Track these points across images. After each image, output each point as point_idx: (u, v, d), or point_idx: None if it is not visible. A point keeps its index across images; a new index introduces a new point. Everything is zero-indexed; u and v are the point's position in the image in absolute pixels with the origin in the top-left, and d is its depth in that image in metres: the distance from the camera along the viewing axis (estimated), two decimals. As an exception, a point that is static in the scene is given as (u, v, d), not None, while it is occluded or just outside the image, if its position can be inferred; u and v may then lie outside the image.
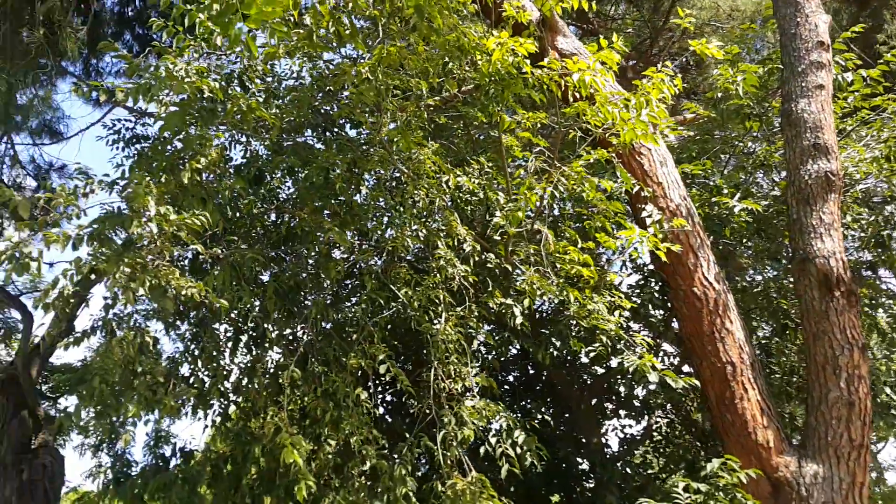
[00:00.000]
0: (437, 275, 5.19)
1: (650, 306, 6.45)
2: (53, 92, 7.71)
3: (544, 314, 7.02)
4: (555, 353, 6.25)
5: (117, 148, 7.07)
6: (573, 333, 5.64)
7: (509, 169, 5.41)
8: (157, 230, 4.70)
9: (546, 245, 4.91)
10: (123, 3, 7.79)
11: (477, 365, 5.18)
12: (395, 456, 5.46)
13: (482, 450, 4.88)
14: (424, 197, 5.61)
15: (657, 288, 6.45)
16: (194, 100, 5.24)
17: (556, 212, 6.27)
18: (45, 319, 9.27)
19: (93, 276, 5.13)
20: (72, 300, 5.03)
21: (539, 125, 5.29)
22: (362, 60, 5.01)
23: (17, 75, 5.88)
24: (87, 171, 5.62)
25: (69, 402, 10.62)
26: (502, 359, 6.88)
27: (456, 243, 5.23)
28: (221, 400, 6.50)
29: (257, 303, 6.10)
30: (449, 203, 5.90)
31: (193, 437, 6.87)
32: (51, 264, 7.81)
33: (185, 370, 6.35)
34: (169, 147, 5.83)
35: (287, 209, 6.77)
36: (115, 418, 6.25)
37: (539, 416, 6.58)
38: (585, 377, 7.41)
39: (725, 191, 6.39)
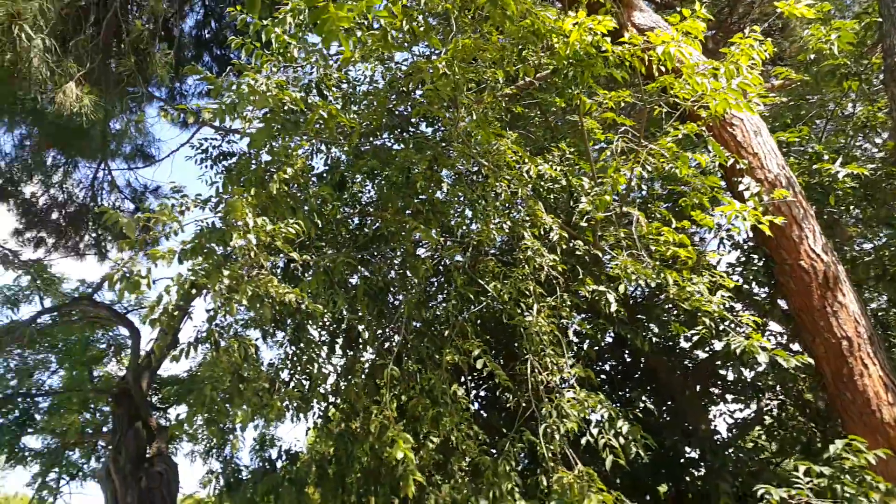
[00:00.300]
0: (525, 266, 5.13)
1: (754, 284, 6.14)
2: (143, 117, 8.15)
3: (639, 299, 6.82)
4: (654, 338, 6.05)
5: (206, 166, 7.39)
6: (673, 317, 5.44)
7: (592, 152, 5.27)
8: (255, 240, 4.86)
9: (637, 227, 4.76)
10: (200, 26, 8.13)
11: (572, 355, 5.07)
12: (495, 452, 5.44)
13: (584, 441, 4.79)
14: (506, 188, 5.55)
15: (760, 264, 6.14)
16: (277, 113, 5.39)
17: (644, 193, 6.08)
18: (151, 334, 9.80)
19: (193, 291, 5.36)
20: (176, 314, 5.27)
21: (622, 104, 5.14)
22: (436, 57, 5.01)
23: (111, 104, 6.20)
24: (181, 190, 5.89)
25: (179, 411, 11.22)
26: (598, 348, 6.74)
27: (542, 233, 5.15)
28: (321, 402, 6.67)
29: (349, 306, 6.22)
30: (531, 192, 5.82)
31: (297, 439, 7.11)
32: (154, 281, 8.22)
33: (284, 375, 6.56)
34: (254, 161, 6.04)
35: (370, 212, 6.87)
36: (223, 425, 6.53)
37: (641, 405, 6.40)
38: (688, 362, 7.15)
39: (826, 157, 6.02)
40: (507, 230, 5.54)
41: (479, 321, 5.74)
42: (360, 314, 6.06)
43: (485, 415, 6.58)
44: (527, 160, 5.54)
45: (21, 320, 10.55)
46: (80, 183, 9.29)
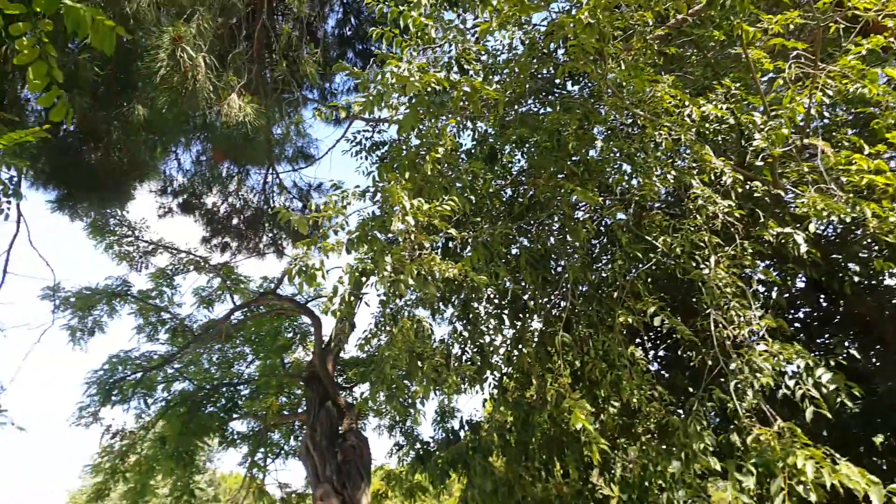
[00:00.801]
0: (697, 216, 4.84)
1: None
2: (301, 119, 8.68)
3: (832, 238, 6.19)
4: (854, 279, 5.47)
5: (361, 157, 7.73)
6: (875, 253, 4.88)
7: (761, 84, 4.83)
8: (414, 221, 5.01)
9: (823, 159, 4.30)
10: (341, 24, 8.46)
11: (759, 306, 4.72)
12: (681, 412, 5.23)
13: (780, 395, 4.46)
14: (667, 136, 5.25)
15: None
16: (422, 96, 5.48)
17: (826, 120, 5.48)
18: (331, 321, 10.52)
19: (363, 278, 5.64)
20: (351, 301, 5.58)
21: (790, 27, 4.64)
22: (576, 11, 4.82)
23: (271, 110, 6.63)
24: (340, 186, 6.20)
25: (363, 389, 11.97)
26: (788, 295, 6.22)
27: (712, 178, 4.82)
28: (495, 373, 6.79)
29: (512, 276, 6.25)
30: (696, 137, 5.46)
31: (476, 409, 7.31)
32: (327, 272, 8.78)
33: (455, 350, 6.75)
34: (405, 147, 6.21)
35: (522, 181, 6.83)
36: (404, 400, 6.86)
37: (843, 352, 5.83)
38: (897, 301, 6.39)
39: None
40: (671, 181, 5.25)
41: (649, 279, 5.52)
42: (523, 284, 6.07)
43: (666, 375, 6.35)
44: (687, 103, 5.20)
45: (217, 318, 11.76)
46: (253, 189, 10.13)
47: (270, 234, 10.80)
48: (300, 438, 11.79)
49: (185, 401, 11.45)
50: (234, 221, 10.61)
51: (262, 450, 12.66)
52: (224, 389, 12.27)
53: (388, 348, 5.42)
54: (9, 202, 4.51)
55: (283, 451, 12.82)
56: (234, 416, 12.37)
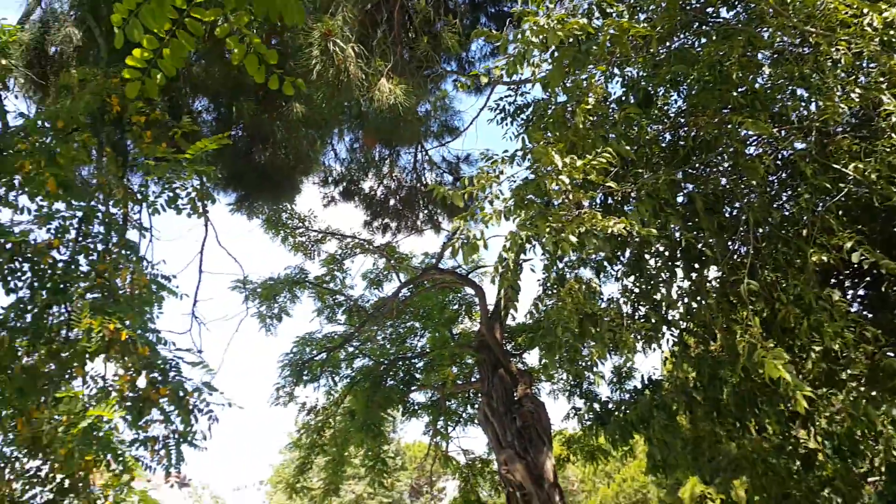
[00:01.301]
0: (892, 135, 4.30)
1: None
2: (445, 93, 8.82)
3: None
4: None
5: (506, 124, 7.70)
6: None
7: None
8: (569, 180, 4.91)
9: None
10: (472, -10, 8.43)
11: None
12: (893, 354, 4.74)
13: None
14: (846, 51, 4.70)
15: None
16: (565, 47, 5.33)
17: None
18: (494, 290, 10.69)
19: (525, 244, 5.63)
20: (515, 267, 5.61)
21: None
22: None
23: (416, 89, 6.76)
24: (488, 154, 6.22)
25: (534, 355, 12.11)
26: None
27: (908, 89, 4.25)
28: (672, 329, 6.54)
29: (682, 225, 5.95)
30: (881, 47, 4.83)
31: (655, 367, 7.10)
32: (487, 241, 8.90)
33: (627, 308, 6.57)
34: (551, 105, 6.09)
35: (682, 122, 6.45)
36: (579, 362, 6.82)
37: None
38: None
39: None
40: (856, 100, 4.70)
41: (841, 212, 5.01)
42: (696, 232, 5.76)
43: (870, 316, 5.76)
44: (866, 10, 4.60)
45: (386, 296, 12.40)
46: (405, 168, 10.49)
47: (426, 211, 11.14)
48: (477, 406, 12.17)
49: (368, 376, 12.20)
50: (391, 202, 11.06)
51: (442, 418, 13.22)
52: (400, 363, 12.92)
53: (557, 312, 5.41)
54: (205, 205, 5.02)
55: (461, 419, 13.31)
56: (413, 388, 13.01)
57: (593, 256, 6.82)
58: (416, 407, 13.72)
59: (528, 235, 5.25)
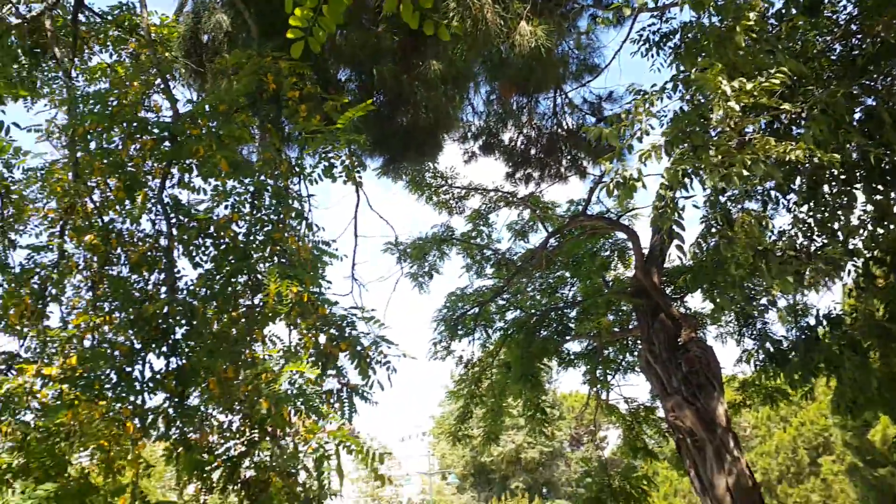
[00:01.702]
0: None
1: None
2: (577, 29, 8.49)
3: None
4: None
5: (651, 55, 7.29)
6: None
7: None
8: (738, 106, 4.58)
9: None
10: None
11: None
12: None
13: None
14: None
15: None
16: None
17: None
18: (648, 232, 10.33)
19: (686, 179, 5.36)
20: (675, 204, 5.37)
21: None
22: None
23: (556, 29, 6.56)
24: (636, 87, 5.93)
25: (696, 298, 11.64)
26: None
27: None
28: (855, 259, 6.02)
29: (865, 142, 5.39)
30: None
31: (836, 302, 6.58)
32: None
33: (801, 240, 6.12)
34: (705, 26, 5.68)
35: (855, 30, 5.82)
36: (754, 301, 6.47)
37: None
38: None
39: None
40: None
41: None
42: (883, 148, 5.20)
43: None
44: None
45: (534, 248, 12.39)
46: (544, 115, 10.28)
47: (569, 157, 10.91)
48: (637, 353, 11.94)
49: (521, 328, 12.34)
50: (532, 152, 10.93)
51: (600, 367, 13.15)
52: (553, 314, 12.94)
53: (728, 248, 5.12)
54: (357, 172, 5.25)
55: (620, 367, 13.16)
56: (567, 337, 13.01)
57: (760, 188, 6.39)
58: (572, 356, 13.74)
59: (689, 169, 5.01)
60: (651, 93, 5.51)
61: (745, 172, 4.52)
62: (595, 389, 13.27)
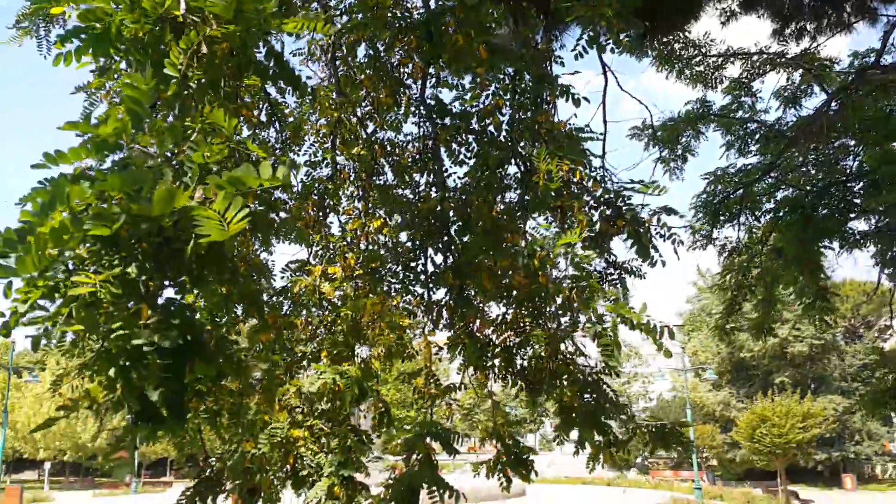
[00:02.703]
0: None
1: None
2: None
3: None
4: None
5: None
6: None
7: None
8: None
9: None
10: None
11: None
12: None
13: None
14: None
15: None
16: None
17: None
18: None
19: None
20: None
21: None
22: None
23: None
24: None
25: None
26: None
27: None
28: None
29: None
30: None
31: None
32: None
33: None
34: None
35: None
36: None
37: None
38: None
39: None
40: None
41: None
42: None
43: None
44: None
45: (809, 115, 10.90)
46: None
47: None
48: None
49: (794, 208, 11.17)
50: (806, 0, 9.43)
51: (894, 249, 11.52)
52: (833, 189, 11.48)
53: None
54: (628, 36, 4.93)
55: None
56: (852, 215, 11.53)
57: None
58: (857, 236, 12.14)
59: None
60: None
61: None
62: (887, 271, 11.67)
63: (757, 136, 11.54)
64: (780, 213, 11.46)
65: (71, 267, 1.93)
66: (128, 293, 1.98)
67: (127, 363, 1.97)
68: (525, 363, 5.40)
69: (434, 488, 3.95)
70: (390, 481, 4.21)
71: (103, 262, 1.94)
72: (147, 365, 1.97)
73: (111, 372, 2.00)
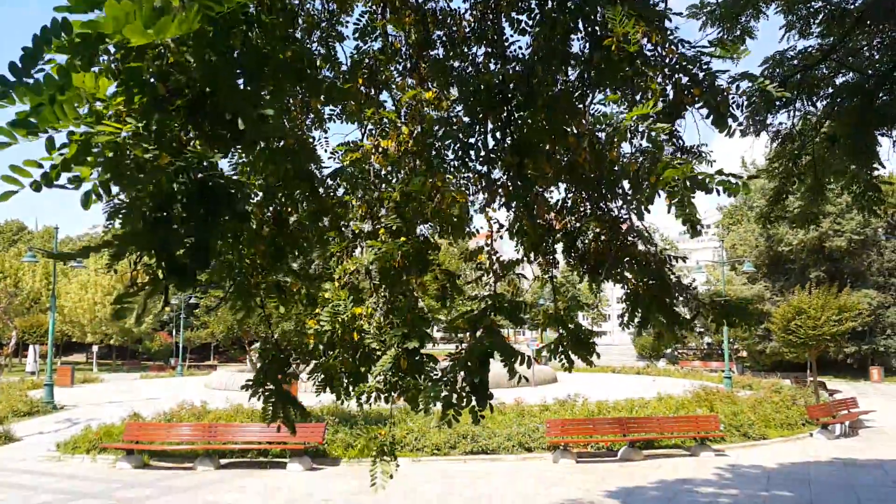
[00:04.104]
0: None
1: None
2: None
3: None
4: None
5: None
6: None
7: None
8: None
9: None
10: None
11: None
12: None
13: None
14: None
15: None
16: None
17: None
18: None
19: None
20: None
21: None
22: None
23: None
24: None
25: None
26: None
27: None
28: None
29: None
30: None
31: None
32: None
33: None
34: None
35: None
36: None
37: None
38: None
39: None
40: None
41: None
42: None
43: None
44: None
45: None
46: None
47: None
48: None
49: (854, 94, 10.60)
50: None
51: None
52: (897, 74, 10.79)
53: None
54: None
55: None
56: (914, 102, 10.87)
57: None
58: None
59: None
60: None
61: None
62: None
63: (821, 17, 10.76)
64: (839, 99, 10.86)
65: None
66: (159, 143, 1.96)
67: (152, 212, 1.97)
68: (585, 247, 5.31)
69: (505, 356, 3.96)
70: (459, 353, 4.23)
71: (136, 115, 1.92)
72: (171, 216, 1.99)
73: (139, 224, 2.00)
